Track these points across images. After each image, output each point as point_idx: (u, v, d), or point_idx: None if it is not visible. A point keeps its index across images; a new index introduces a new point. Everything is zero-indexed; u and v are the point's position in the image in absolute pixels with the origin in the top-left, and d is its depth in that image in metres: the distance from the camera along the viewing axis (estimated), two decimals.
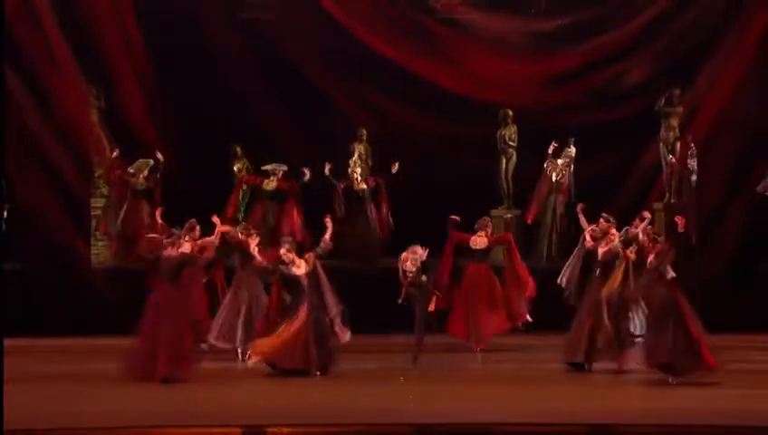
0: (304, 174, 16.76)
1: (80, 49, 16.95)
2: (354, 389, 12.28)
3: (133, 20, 17.42)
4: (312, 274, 12.84)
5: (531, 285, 14.70)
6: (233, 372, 13.08)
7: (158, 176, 16.81)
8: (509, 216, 17.45)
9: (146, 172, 16.81)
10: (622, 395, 12.00)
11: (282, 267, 12.89)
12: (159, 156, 16.73)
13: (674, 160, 16.87)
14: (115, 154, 16.78)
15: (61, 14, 16.93)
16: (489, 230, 14.81)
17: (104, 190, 17.28)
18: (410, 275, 13.51)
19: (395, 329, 14.47)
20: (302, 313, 12.74)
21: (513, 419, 10.63)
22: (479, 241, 14.68)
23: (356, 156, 17.31)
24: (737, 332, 14.28)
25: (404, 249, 13.75)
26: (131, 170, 16.80)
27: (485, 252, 14.76)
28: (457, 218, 14.58)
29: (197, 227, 13.10)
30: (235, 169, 17.63)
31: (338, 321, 12.99)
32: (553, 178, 17.01)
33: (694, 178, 16.78)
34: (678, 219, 12.57)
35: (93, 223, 17.11)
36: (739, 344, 14.08)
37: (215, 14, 17.97)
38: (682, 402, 11.35)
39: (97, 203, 17.16)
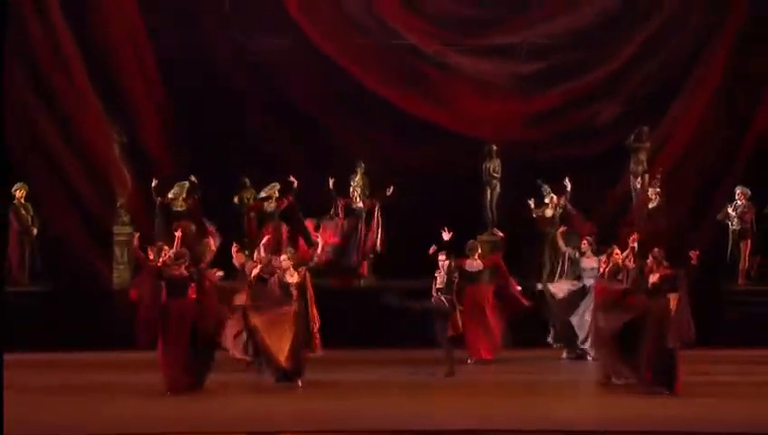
0: (292, 183, 16.89)
1: (104, 91, 17.11)
2: (355, 397, 12.36)
3: (153, 63, 17.68)
4: (301, 285, 12.98)
5: (523, 301, 14.61)
6: (240, 380, 13.03)
7: (196, 197, 16.76)
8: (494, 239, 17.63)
9: (184, 194, 16.80)
10: (598, 404, 12.13)
11: (278, 272, 13.03)
12: (193, 178, 16.73)
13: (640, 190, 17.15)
14: (154, 184, 16.69)
15: (87, 58, 17.11)
16: (479, 252, 14.84)
17: (125, 219, 17.44)
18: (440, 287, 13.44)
19: (393, 343, 14.68)
20: (290, 316, 12.78)
21: (498, 425, 10.83)
22: (474, 264, 14.68)
23: (358, 176, 17.45)
24: (701, 347, 14.29)
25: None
26: (171, 196, 16.72)
27: (480, 274, 14.74)
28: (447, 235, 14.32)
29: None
30: (244, 198, 17.83)
31: (318, 335, 13.14)
32: (548, 214, 16.93)
33: (651, 205, 16.99)
34: (692, 254, 12.75)
35: (116, 249, 17.22)
36: (705, 358, 14.02)
37: (225, 57, 18.15)
38: (654, 410, 11.45)
39: (119, 230, 17.24)
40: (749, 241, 16.74)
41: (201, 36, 18.02)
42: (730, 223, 16.80)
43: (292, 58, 18.17)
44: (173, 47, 17.71)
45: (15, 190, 16.77)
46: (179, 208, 16.72)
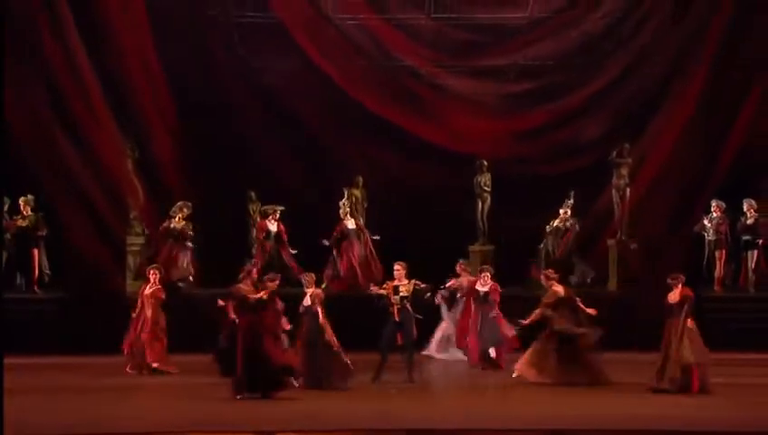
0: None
1: (118, 109, 17.38)
2: (354, 398, 12.45)
3: (163, 82, 17.88)
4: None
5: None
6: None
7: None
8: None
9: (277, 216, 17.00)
10: (580, 404, 12.20)
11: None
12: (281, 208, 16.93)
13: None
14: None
15: (101, 77, 17.34)
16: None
17: (138, 229, 17.55)
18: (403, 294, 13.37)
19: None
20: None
21: (485, 425, 11.00)
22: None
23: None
24: None
25: (390, 276, 14.01)
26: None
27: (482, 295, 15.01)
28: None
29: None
30: (250, 210, 17.98)
31: None
32: (555, 224, 17.23)
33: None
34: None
35: (129, 257, 17.36)
36: None
37: (232, 77, 18.40)
38: (635, 409, 11.61)
39: (132, 240, 17.37)
40: (724, 251, 17.03)
41: (208, 56, 18.28)
42: (706, 234, 17.07)
43: (294, 77, 18.38)
44: (181, 66, 17.96)
45: (21, 202, 16.76)
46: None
